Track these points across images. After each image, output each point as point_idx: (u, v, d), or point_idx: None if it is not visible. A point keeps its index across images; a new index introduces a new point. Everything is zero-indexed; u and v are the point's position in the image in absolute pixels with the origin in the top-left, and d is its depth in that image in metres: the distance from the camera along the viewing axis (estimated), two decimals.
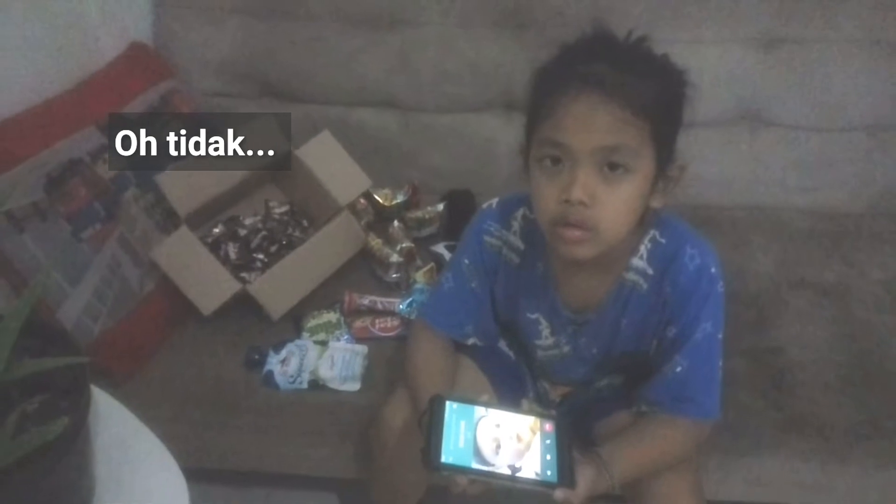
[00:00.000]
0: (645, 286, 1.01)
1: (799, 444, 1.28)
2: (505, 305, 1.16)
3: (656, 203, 0.94)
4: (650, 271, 1.00)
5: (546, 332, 1.13)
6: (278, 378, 1.35)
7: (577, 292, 1.07)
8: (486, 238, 1.10)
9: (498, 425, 0.90)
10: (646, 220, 0.98)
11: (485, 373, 1.23)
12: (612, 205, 0.88)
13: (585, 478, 0.91)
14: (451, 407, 0.90)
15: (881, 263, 1.65)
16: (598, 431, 1.16)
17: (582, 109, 0.85)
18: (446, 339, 1.18)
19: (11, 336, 0.72)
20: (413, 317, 1.44)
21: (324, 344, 1.40)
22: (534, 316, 1.13)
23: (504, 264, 1.10)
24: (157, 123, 1.49)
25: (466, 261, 1.13)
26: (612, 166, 0.87)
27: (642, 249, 1.00)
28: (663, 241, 0.99)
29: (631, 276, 1.01)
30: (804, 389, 1.36)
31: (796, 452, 1.28)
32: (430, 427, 0.88)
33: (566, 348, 1.13)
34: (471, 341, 1.18)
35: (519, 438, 0.89)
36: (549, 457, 0.89)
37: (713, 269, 0.99)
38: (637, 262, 1.00)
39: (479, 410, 0.91)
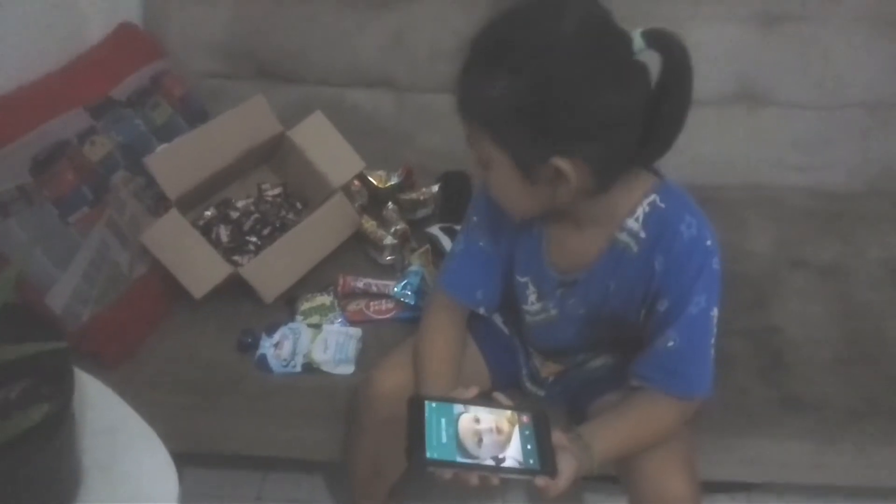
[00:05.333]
0: (635, 249, 0.99)
1: (796, 423, 1.28)
2: (505, 268, 1.15)
3: (564, 198, 0.93)
4: (643, 234, 0.98)
5: (533, 297, 1.13)
6: (272, 361, 1.35)
7: (569, 251, 1.06)
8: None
9: (477, 420, 0.91)
10: (645, 184, 0.97)
11: (480, 349, 1.24)
12: (490, 187, 1.00)
13: (567, 466, 0.91)
14: (430, 406, 0.91)
15: (879, 242, 1.64)
16: (592, 412, 1.16)
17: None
18: (461, 311, 1.18)
19: None
20: (405, 300, 1.43)
21: (317, 327, 1.40)
22: (523, 279, 1.12)
23: (505, 221, 1.08)
24: (147, 105, 1.48)
25: (475, 218, 1.14)
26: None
27: (639, 211, 0.97)
28: (663, 205, 0.97)
29: (623, 236, 0.99)
30: (801, 369, 1.35)
31: (793, 431, 1.28)
32: (411, 427, 0.89)
33: (553, 312, 1.12)
34: (480, 310, 1.18)
35: (499, 431, 0.90)
36: (529, 446, 0.90)
37: (709, 242, 0.96)
38: (632, 223, 0.98)
39: (458, 407, 0.92)
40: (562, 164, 0.87)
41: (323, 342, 1.36)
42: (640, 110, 0.86)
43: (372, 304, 1.45)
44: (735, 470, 1.34)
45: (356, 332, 1.39)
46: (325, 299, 1.46)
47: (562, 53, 0.84)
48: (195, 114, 1.59)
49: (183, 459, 0.87)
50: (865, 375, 1.34)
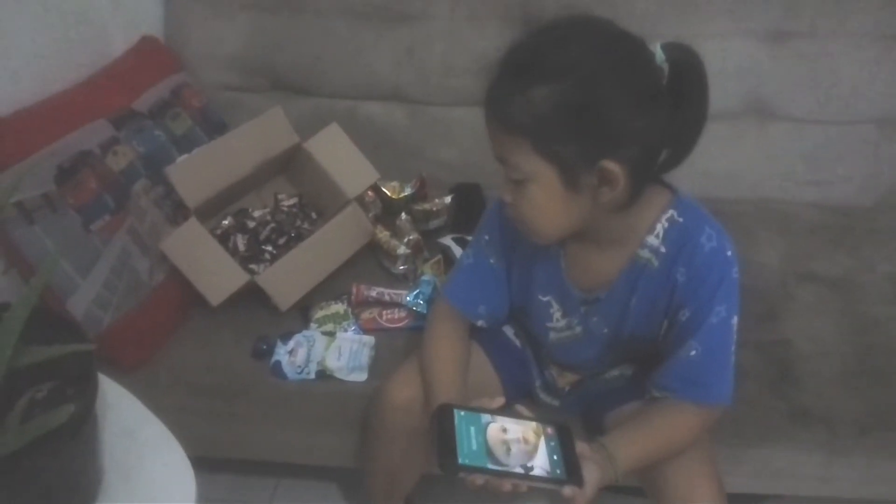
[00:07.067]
0: (656, 264, 1.01)
1: (805, 436, 1.29)
2: (519, 288, 1.17)
3: (602, 208, 0.94)
4: (663, 249, 1.00)
5: (558, 314, 1.14)
6: (286, 368, 1.36)
7: (590, 271, 1.07)
8: (507, 211, 1.11)
9: (505, 430, 0.93)
10: (661, 200, 1.00)
11: (491, 360, 1.25)
12: (523, 207, 0.96)
13: (592, 476, 0.92)
14: (459, 414, 0.93)
15: (888, 257, 1.65)
16: (609, 422, 1.17)
17: (486, 122, 0.94)
18: (463, 321, 1.19)
19: (19, 323, 0.73)
20: (418, 309, 1.45)
21: (331, 335, 1.41)
22: (546, 298, 1.13)
23: (521, 241, 1.09)
24: (167, 116, 1.51)
25: (486, 237, 1.15)
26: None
27: (658, 228, 0.99)
28: (681, 219, 0.99)
29: (644, 253, 1.01)
30: (811, 382, 1.36)
31: (803, 444, 1.29)
32: (440, 433, 0.90)
33: (578, 329, 1.13)
34: (480, 323, 1.19)
35: (526, 441, 0.92)
36: (555, 457, 0.92)
37: (728, 253, 0.99)
38: (652, 239, 1.00)
39: (486, 417, 0.93)
40: (611, 165, 0.88)
41: (337, 350, 1.37)
42: (666, 114, 0.89)
43: (385, 312, 1.47)
44: (745, 482, 1.34)
45: (369, 339, 1.41)
46: (339, 308, 1.47)
47: (602, 56, 0.87)
48: (214, 125, 1.62)
49: (196, 464, 0.88)
50: (875, 389, 1.34)
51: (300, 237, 1.55)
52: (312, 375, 1.36)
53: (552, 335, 1.17)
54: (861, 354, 1.41)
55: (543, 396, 1.29)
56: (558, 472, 0.90)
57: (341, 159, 1.58)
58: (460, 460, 0.88)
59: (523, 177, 0.92)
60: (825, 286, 1.57)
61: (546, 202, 0.93)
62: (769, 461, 1.30)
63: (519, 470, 0.89)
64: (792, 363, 1.40)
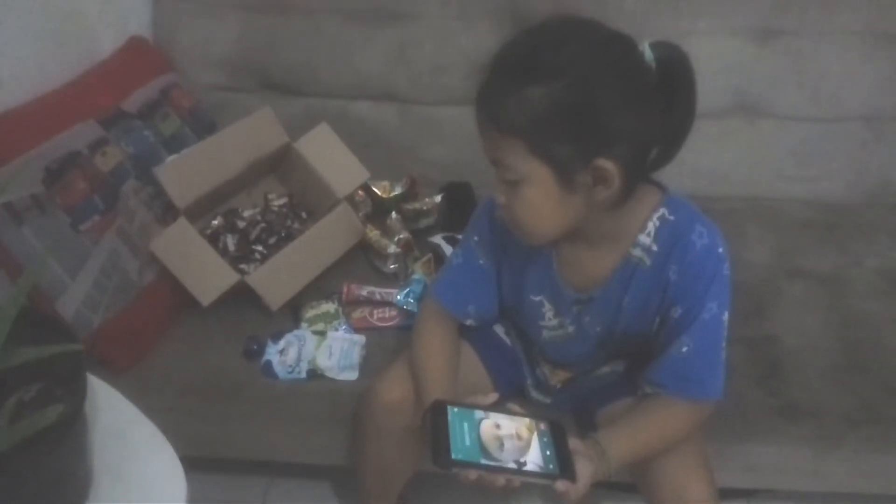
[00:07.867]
0: (648, 262, 1.01)
1: (794, 430, 1.29)
2: (510, 289, 1.17)
3: (597, 206, 0.94)
4: (655, 248, 1.00)
5: (550, 314, 1.14)
6: (277, 368, 1.36)
7: (582, 270, 1.07)
8: (498, 213, 1.11)
9: (498, 426, 0.93)
10: (652, 199, 1.00)
11: (481, 358, 1.25)
12: (518, 208, 0.95)
13: (585, 471, 0.93)
14: (452, 411, 0.93)
15: (876, 252, 1.66)
16: (601, 419, 1.17)
17: (478, 124, 0.93)
18: (452, 320, 1.19)
19: (7, 324, 0.73)
20: (408, 308, 1.45)
21: (322, 334, 1.41)
22: (538, 298, 1.13)
23: (513, 243, 1.09)
24: (156, 117, 1.50)
25: (476, 238, 1.15)
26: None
27: (650, 226, 1.00)
28: (672, 218, 0.99)
29: (636, 252, 1.01)
30: (799, 377, 1.37)
31: (791, 439, 1.29)
32: (434, 429, 0.91)
33: (571, 328, 1.13)
34: (469, 322, 1.20)
35: (519, 437, 0.93)
36: (548, 452, 0.92)
37: (720, 250, 0.99)
38: (644, 238, 1.00)
39: (479, 413, 0.94)
40: (606, 164, 0.88)
41: (327, 349, 1.37)
42: (658, 111, 0.89)
43: (376, 311, 1.47)
44: (734, 477, 1.34)
45: (360, 338, 1.41)
46: (329, 307, 1.47)
47: (596, 55, 0.87)
48: (203, 125, 1.61)
49: (188, 464, 0.88)
50: (862, 384, 1.35)
51: (290, 237, 1.55)
52: (303, 375, 1.36)
53: (545, 333, 1.18)
54: (849, 349, 1.42)
55: (535, 394, 1.29)
56: (551, 467, 0.91)
57: (331, 159, 1.58)
58: (454, 456, 0.88)
59: (518, 178, 0.91)
60: (813, 282, 1.58)
61: (541, 203, 0.93)
62: (759, 456, 1.31)
63: (512, 465, 0.89)
64: (780, 358, 1.40)
